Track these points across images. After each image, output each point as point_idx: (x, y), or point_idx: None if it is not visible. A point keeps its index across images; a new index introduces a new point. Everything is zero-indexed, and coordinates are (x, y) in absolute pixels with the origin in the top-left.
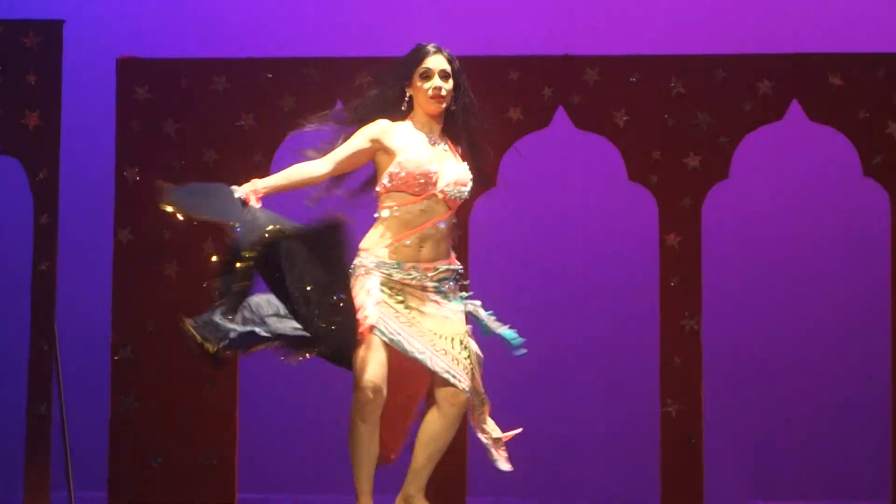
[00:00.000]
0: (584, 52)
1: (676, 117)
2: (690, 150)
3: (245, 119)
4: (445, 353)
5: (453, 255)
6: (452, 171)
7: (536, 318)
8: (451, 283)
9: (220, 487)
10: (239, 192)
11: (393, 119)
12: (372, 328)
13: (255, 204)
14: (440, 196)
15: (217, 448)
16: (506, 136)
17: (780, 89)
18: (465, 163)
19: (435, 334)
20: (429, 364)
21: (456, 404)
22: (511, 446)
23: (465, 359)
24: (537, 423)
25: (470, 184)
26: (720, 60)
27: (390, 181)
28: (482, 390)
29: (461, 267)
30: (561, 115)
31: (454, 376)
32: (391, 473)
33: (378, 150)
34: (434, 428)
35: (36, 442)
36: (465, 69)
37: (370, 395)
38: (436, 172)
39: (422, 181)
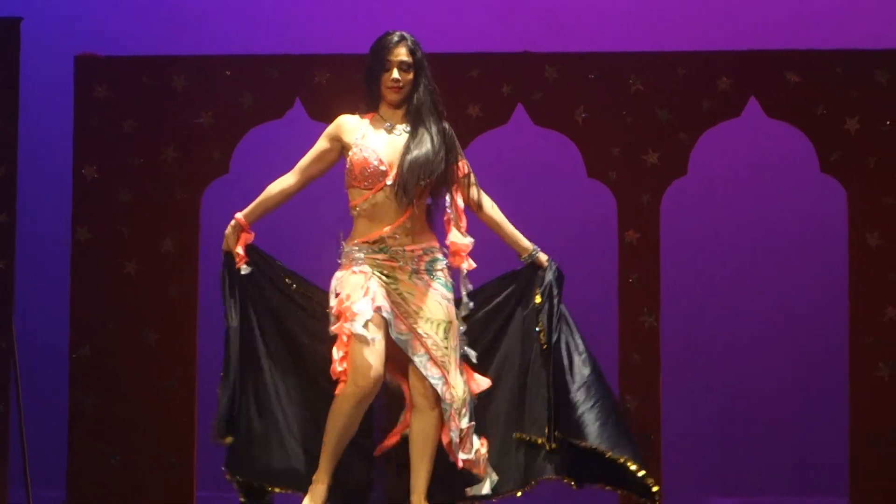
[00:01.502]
0: (544, 50)
1: (635, 114)
2: (649, 146)
3: (204, 116)
4: (427, 337)
5: (432, 235)
6: (407, 157)
7: None
8: (444, 266)
9: (178, 485)
10: (227, 243)
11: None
12: (378, 309)
13: (242, 266)
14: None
15: (176, 446)
16: (465, 134)
17: (739, 86)
18: (429, 145)
19: (420, 317)
20: (408, 351)
21: (424, 396)
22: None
23: (445, 348)
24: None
25: (435, 165)
26: (679, 57)
27: (346, 177)
28: (460, 388)
29: (441, 249)
30: (520, 112)
31: (426, 367)
32: None
33: (341, 147)
34: (414, 427)
35: None
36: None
37: (370, 381)
38: (381, 164)
39: (368, 174)
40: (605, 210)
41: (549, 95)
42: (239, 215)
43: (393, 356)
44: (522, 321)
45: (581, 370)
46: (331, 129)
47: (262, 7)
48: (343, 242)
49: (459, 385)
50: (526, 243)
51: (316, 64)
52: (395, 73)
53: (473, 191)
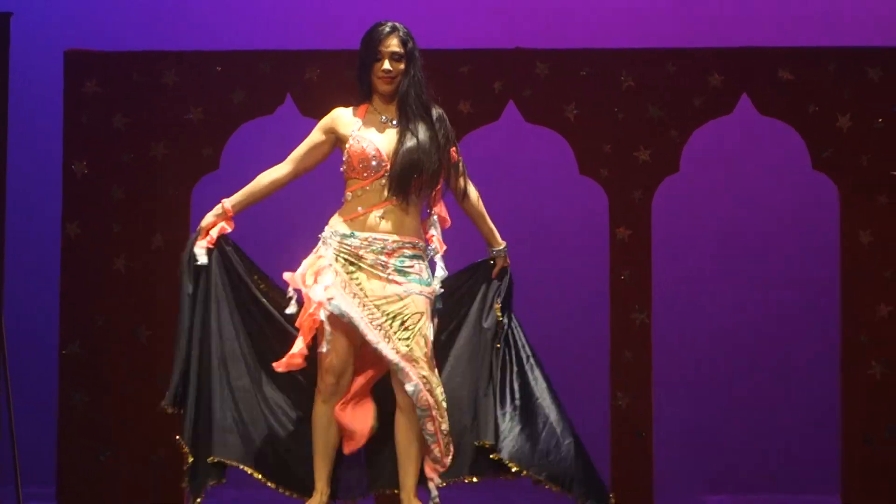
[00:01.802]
0: (535, 46)
1: (627, 111)
2: (641, 143)
3: (194, 112)
4: (381, 330)
5: (426, 234)
6: (402, 148)
7: None
8: (418, 263)
9: (168, 482)
10: (205, 221)
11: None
12: (326, 307)
13: (201, 251)
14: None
15: (166, 443)
16: (456, 130)
17: (730, 83)
18: (417, 138)
19: (377, 308)
20: (376, 344)
21: (400, 390)
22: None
23: (403, 340)
24: None
25: (426, 157)
26: (671, 54)
27: (343, 167)
28: (427, 375)
29: (427, 245)
30: (511, 108)
31: (388, 349)
32: None
33: (336, 140)
34: (398, 425)
35: None
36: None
37: (333, 378)
38: (378, 154)
39: (366, 165)
40: (597, 207)
41: (541, 92)
42: (226, 203)
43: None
44: (477, 326)
45: (531, 389)
46: (325, 121)
47: (253, 3)
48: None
49: (420, 380)
50: (500, 240)
51: (307, 60)
52: (387, 64)
53: (461, 180)
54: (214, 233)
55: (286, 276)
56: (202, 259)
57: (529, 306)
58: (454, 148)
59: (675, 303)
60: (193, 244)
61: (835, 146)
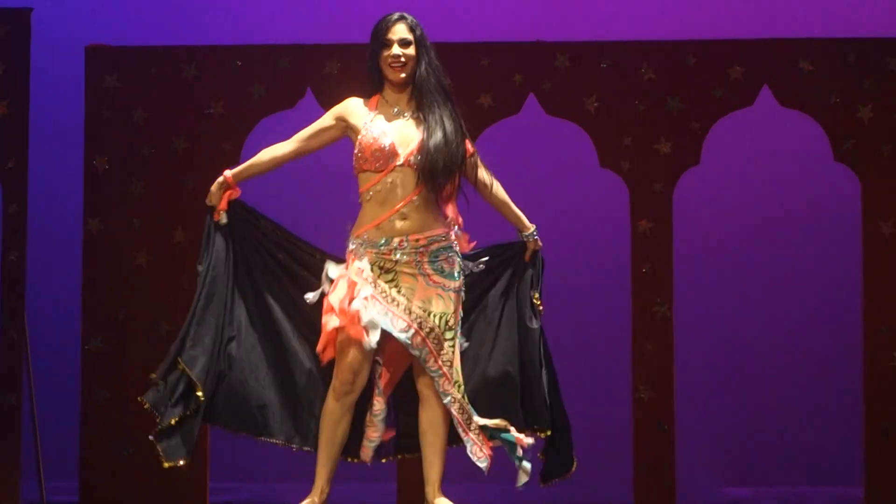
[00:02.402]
0: (555, 39)
1: (647, 103)
2: (661, 136)
3: (214, 107)
4: (431, 332)
5: (450, 224)
6: (417, 140)
7: None
8: (450, 255)
9: (191, 476)
10: (212, 195)
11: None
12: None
13: (221, 215)
14: (409, 167)
15: None
16: (477, 123)
17: (751, 75)
18: (444, 128)
19: (424, 311)
20: (408, 344)
21: (430, 387)
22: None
23: (449, 340)
24: None
25: (448, 147)
26: (691, 46)
27: (356, 161)
28: (460, 379)
29: (452, 235)
30: (532, 101)
31: (425, 360)
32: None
33: (346, 130)
34: (423, 420)
35: (6, 433)
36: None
37: (350, 377)
38: (391, 145)
39: (379, 157)
40: (618, 200)
41: (561, 84)
42: (227, 173)
43: (397, 349)
44: (507, 304)
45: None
46: (338, 108)
47: None
48: (350, 234)
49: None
50: (528, 224)
51: (326, 53)
52: (396, 49)
53: (480, 171)
54: (224, 204)
55: (330, 300)
56: (223, 219)
57: (551, 299)
58: (468, 141)
59: (696, 295)
60: (210, 224)
61: (856, 137)
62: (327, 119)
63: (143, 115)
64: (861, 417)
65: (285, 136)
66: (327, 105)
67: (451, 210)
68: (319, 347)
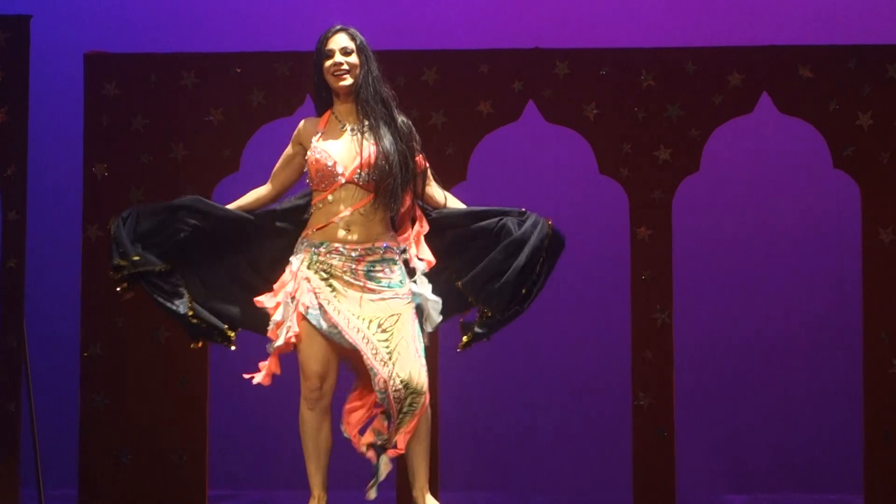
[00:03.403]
0: (555, 46)
1: (647, 110)
2: (661, 143)
3: (214, 114)
4: (359, 332)
5: (396, 238)
6: (361, 155)
7: None
8: (388, 267)
9: (190, 484)
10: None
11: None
12: (303, 316)
13: None
14: (353, 184)
15: (187, 444)
16: (476, 130)
17: (751, 82)
18: (389, 140)
19: (353, 314)
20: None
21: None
22: (485, 440)
23: (382, 341)
24: (510, 416)
25: (389, 160)
26: (690, 53)
27: (308, 180)
28: (399, 380)
29: (399, 246)
30: (531, 108)
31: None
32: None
33: (303, 151)
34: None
35: (5, 440)
36: (436, 62)
37: (317, 382)
38: (334, 164)
39: (323, 176)
40: (617, 207)
41: (560, 91)
42: None
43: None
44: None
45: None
46: (294, 134)
47: (272, 4)
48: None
49: (407, 377)
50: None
51: None
52: (338, 57)
53: (431, 188)
54: None
55: (258, 300)
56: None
57: (550, 306)
58: (421, 156)
59: (696, 302)
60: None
61: (856, 144)
62: (289, 148)
63: (143, 121)
64: (861, 424)
65: (284, 143)
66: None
67: (409, 223)
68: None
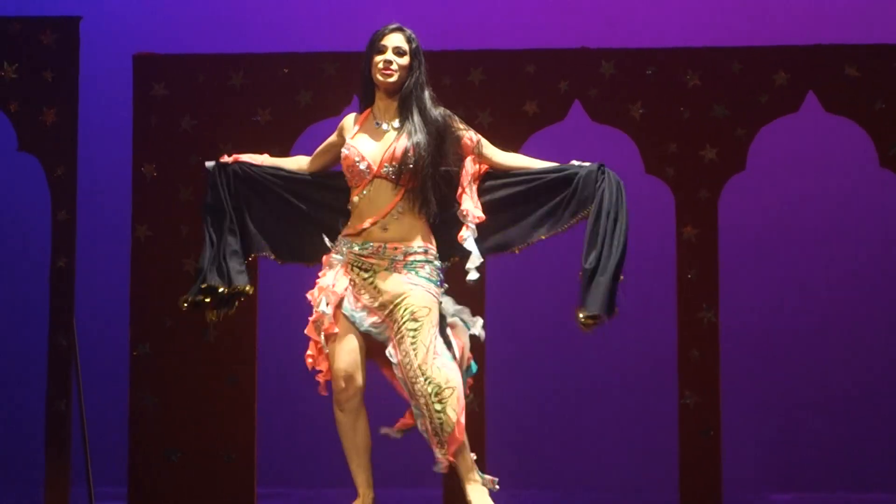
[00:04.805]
0: (600, 45)
1: (692, 110)
2: (707, 142)
3: (262, 114)
4: (395, 323)
5: (429, 238)
6: (389, 150)
7: (555, 313)
8: (428, 265)
9: (239, 482)
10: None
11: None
12: (341, 314)
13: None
14: (384, 179)
15: (236, 442)
16: (522, 130)
17: (796, 81)
18: (420, 138)
19: (391, 303)
20: (374, 333)
21: (404, 379)
22: (532, 438)
23: (411, 330)
24: (556, 415)
25: (416, 153)
26: (736, 52)
27: (345, 175)
28: (430, 373)
29: (433, 250)
30: (577, 108)
31: (391, 352)
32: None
33: (342, 144)
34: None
35: (55, 438)
36: (482, 62)
37: (342, 383)
38: (361, 160)
39: (353, 172)
40: (663, 206)
41: (606, 91)
42: (244, 157)
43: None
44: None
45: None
46: (338, 126)
47: (319, 5)
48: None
49: (438, 374)
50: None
51: None
52: (389, 55)
53: (491, 151)
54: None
55: (309, 295)
56: (208, 164)
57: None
58: (468, 136)
59: (742, 301)
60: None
61: None
62: (332, 137)
63: (191, 122)
64: None
65: None
66: None
67: (466, 207)
68: (310, 362)
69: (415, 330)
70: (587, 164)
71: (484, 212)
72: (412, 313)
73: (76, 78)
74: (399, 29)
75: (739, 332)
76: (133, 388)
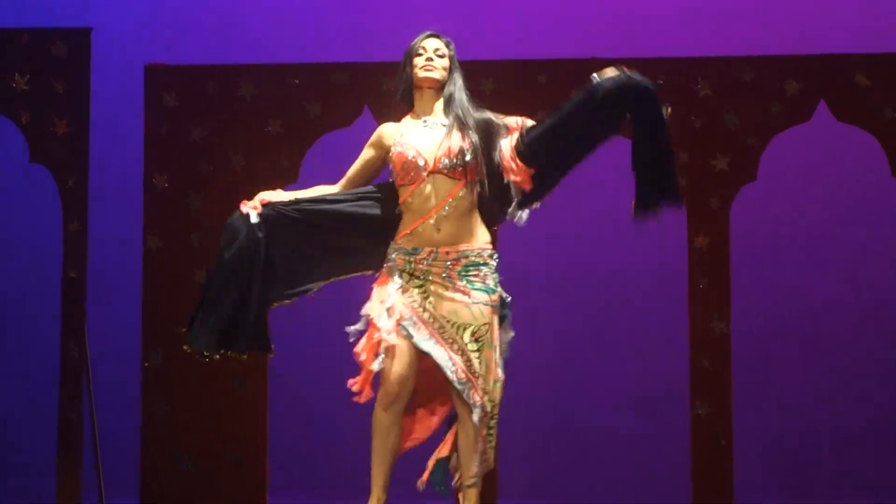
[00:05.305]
0: (611, 55)
1: (704, 119)
2: (718, 151)
3: (272, 125)
4: (453, 343)
5: (482, 235)
6: (444, 145)
7: (566, 321)
8: (483, 270)
9: (250, 491)
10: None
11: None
12: (398, 323)
13: (254, 218)
14: (440, 173)
15: (247, 452)
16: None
17: (808, 90)
18: (473, 132)
19: (448, 322)
20: (435, 357)
21: (464, 406)
22: (543, 448)
23: (474, 351)
24: (567, 425)
25: (472, 147)
26: (747, 62)
27: (393, 177)
28: (490, 388)
29: (490, 250)
30: None
31: (451, 369)
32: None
33: (384, 153)
34: (459, 436)
35: (67, 447)
36: (493, 72)
37: (396, 387)
38: (417, 155)
39: (408, 169)
40: (675, 215)
41: None
42: (266, 197)
43: (431, 371)
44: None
45: None
46: (373, 137)
47: (330, 15)
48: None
49: (497, 390)
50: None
51: (384, 71)
52: (429, 54)
53: (530, 122)
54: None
55: (364, 309)
56: (253, 217)
57: (608, 314)
58: (511, 122)
59: (754, 311)
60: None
61: None
62: (367, 152)
63: (202, 132)
64: None
65: (342, 154)
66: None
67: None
68: (356, 387)
69: (477, 351)
70: (606, 73)
71: (529, 165)
72: (472, 334)
73: (87, 89)
74: (436, 35)
75: (751, 341)
76: (145, 398)
